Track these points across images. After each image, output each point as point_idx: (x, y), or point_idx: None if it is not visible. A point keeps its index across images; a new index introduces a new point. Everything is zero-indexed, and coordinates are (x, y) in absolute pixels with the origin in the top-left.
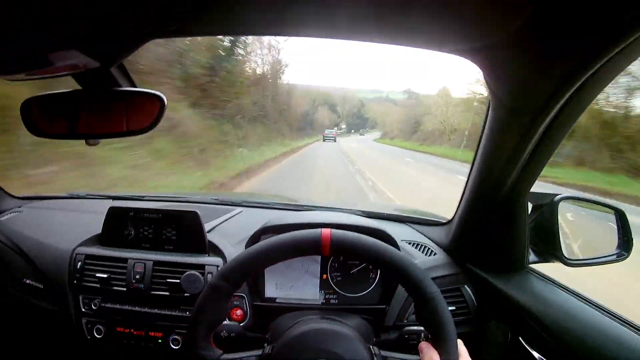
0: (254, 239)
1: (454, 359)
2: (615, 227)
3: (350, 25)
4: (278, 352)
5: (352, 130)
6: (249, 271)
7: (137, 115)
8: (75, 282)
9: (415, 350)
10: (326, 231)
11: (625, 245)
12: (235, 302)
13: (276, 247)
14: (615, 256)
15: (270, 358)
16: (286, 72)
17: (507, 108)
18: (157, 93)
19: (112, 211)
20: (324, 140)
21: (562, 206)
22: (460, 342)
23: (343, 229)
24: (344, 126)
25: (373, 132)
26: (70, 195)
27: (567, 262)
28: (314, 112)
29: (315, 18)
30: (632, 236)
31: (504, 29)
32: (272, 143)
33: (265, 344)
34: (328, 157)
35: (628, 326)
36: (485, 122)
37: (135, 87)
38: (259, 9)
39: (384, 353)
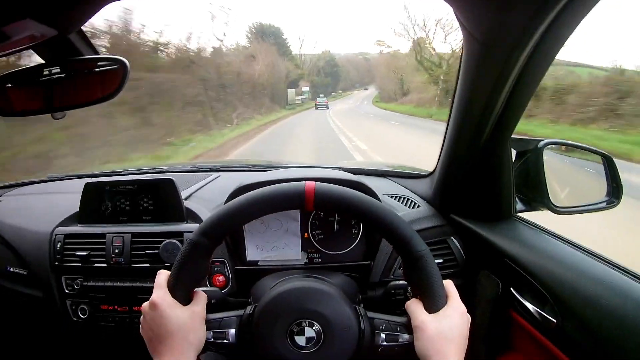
0: (230, 198)
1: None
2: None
3: None
4: (260, 313)
5: (321, 94)
6: (229, 226)
7: (102, 81)
8: (56, 263)
9: (403, 305)
10: (310, 184)
11: (615, 192)
12: (216, 268)
13: (257, 200)
14: (605, 203)
15: (251, 318)
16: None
17: (480, 43)
18: (119, 58)
19: (88, 187)
20: (316, 108)
21: (547, 153)
22: (449, 282)
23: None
24: (306, 88)
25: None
26: (49, 178)
27: (555, 209)
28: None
29: None
30: (622, 182)
31: None
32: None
33: (248, 305)
34: None
35: (621, 271)
36: (460, 65)
37: (97, 53)
38: None
39: (370, 314)
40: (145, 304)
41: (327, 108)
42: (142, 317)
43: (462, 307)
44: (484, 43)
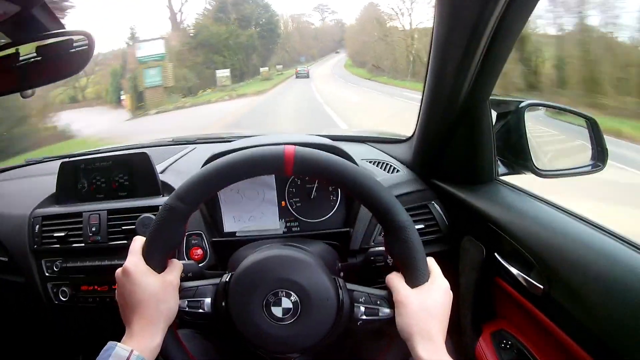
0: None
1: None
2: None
3: None
4: (235, 282)
5: (224, 73)
6: (205, 191)
7: (70, 55)
8: (35, 246)
9: (383, 272)
10: (290, 148)
11: (600, 155)
12: (193, 241)
13: (234, 164)
14: (590, 167)
15: (227, 287)
16: None
17: None
18: (86, 32)
19: (63, 167)
20: (296, 77)
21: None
22: (431, 259)
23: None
24: (157, 45)
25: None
26: (27, 162)
27: (538, 172)
28: None
29: None
30: (607, 146)
31: None
32: None
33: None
34: None
35: (609, 235)
36: (433, 25)
37: (62, 27)
38: None
39: (350, 286)
40: (119, 270)
41: (308, 77)
42: (116, 282)
43: (446, 284)
44: None
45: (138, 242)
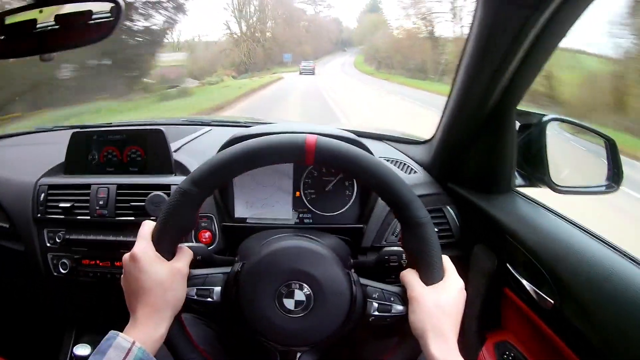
0: (222, 149)
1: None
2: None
3: None
4: (247, 271)
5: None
6: (221, 177)
7: (97, 22)
8: (39, 215)
9: (396, 273)
10: (311, 137)
11: (615, 177)
12: (203, 224)
13: (254, 150)
14: (604, 187)
15: (238, 277)
16: None
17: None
18: None
19: (75, 137)
20: (300, 74)
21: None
22: (446, 257)
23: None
24: None
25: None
26: (37, 129)
27: (555, 188)
28: None
29: None
30: (623, 168)
31: None
32: None
33: (235, 263)
34: None
35: (625, 256)
36: (472, 26)
37: None
38: None
39: (363, 281)
40: (126, 255)
41: (313, 74)
42: (123, 267)
43: (461, 282)
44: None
45: (147, 226)
